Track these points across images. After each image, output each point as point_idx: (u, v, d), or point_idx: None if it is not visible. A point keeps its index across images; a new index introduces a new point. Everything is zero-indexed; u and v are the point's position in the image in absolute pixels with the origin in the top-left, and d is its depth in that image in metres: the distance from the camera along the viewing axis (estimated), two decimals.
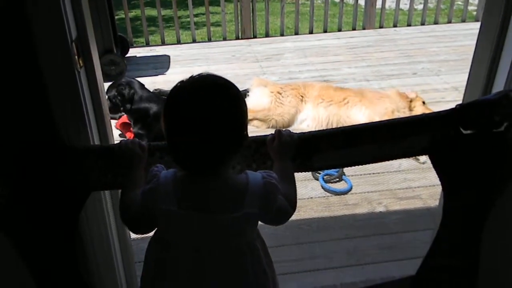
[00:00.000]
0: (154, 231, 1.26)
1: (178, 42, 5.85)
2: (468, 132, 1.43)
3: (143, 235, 1.31)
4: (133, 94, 3.37)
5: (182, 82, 1.14)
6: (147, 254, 1.28)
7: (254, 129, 3.65)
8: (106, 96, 3.31)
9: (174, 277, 1.21)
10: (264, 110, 3.68)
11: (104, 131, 1.51)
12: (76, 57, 1.29)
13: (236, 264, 1.21)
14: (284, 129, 1.35)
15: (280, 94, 3.73)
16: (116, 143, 1.34)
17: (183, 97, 1.12)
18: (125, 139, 3.47)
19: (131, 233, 1.80)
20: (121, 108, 3.41)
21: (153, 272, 1.25)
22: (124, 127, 3.56)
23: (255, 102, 3.75)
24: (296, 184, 1.31)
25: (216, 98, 1.11)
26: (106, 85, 3.18)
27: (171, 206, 1.15)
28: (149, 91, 3.53)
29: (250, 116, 3.64)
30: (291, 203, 1.24)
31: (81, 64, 1.33)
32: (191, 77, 1.14)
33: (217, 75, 1.16)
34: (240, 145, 1.15)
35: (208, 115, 1.08)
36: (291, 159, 1.33)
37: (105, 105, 1.52)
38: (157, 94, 3.60)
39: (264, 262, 1.27)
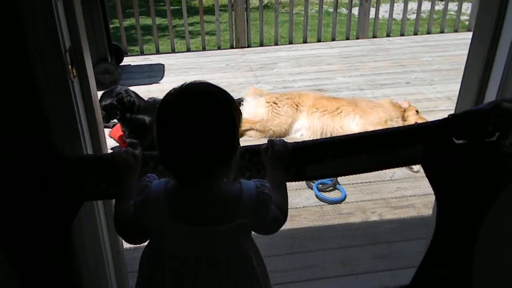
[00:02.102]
0: (148, 241, 1.26)
1: (173, 51, 5.86)
2: (461, 141, 1.44)
3: (136, 245, 1.30)
4: (133, 102, 3.36)
5: (174, 89, 1.13)
6: (141, 263, 1.27)
7: (250, 139, 3.65)
8: (101, 105, 3.31)
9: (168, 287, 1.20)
10: (262, 121, 3.68)
11: (97, 141, 1.50)
12: (70, 66, 1.28)
13: (229, 274, 1.20)
14: (277, 139, 1.35)
15: (276, 104, 3.74)
16: (109, 153, 1.34)
17: (174, 105, 1.11)
18: (118, 148, 3.46)
19: (123, 242, 1.79)
20: (118, 117, 3.38)
21: (147, 282, 1.24)
22: (120, 138, 3.55)
23: (252, 113, 3.75)
24: (290, 193, 1.31)
25: (207, 106, 1.09)
26: (100, 93, 3.18)
27: (162, 217, 1.14)
28: (145, 100, 3.53)
29: (247, 126, 3.66)
30: (283, 212, 1.24)
31: (75, 74, 1.33)
32: (183, 85, 1.13)
33: (210, 83, 1.15)
34: (231, 154, 1.14)
35: (198, 124, 1.07)
36: (284, 168, 1.33)
37: (99, 114, 1.51)
38: (152, 104, 3.59)
39: (258, 271, 1.26)
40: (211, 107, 1.10)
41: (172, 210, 1.14)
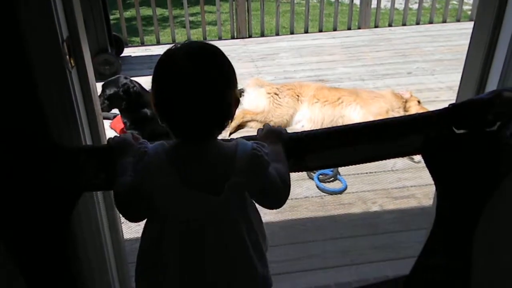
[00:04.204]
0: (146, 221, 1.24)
1: (174, 41, 5.83)
2: (461, 131, 1.43)
3: (135, 236, 1.30)
4: (139, 93, 3.35)
5: (175, 47, 1.13)
6: (144, 231, 1.25)
7: (251, 130, 3.64)
8: (105, 94, 3.30)
9: (173, 250, 1.19)
10: (263, 112, 3.67)
11: (96, 132, 1.50)
12: (68, 56, 1.28)
13: (233, 232, 1.20)
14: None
15: (277, 95, 3.72)
16: (110, 137, 1.34)
17: (177, 60, 1.10)
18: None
19: (123, 233, 1.79)
20: (122, 108, 3.37)
21: (150, 247, 1.23)
22: (121, 132, 3.54)
23: (253, 104, 3.74)
24: (291, 184, 1.29)
25: (211, 59, 1.11)
26: (99, 84, 3.17)
27: (168, 178, 1.13)
28: (147, 91, 3.51)
29: (248, 117, 3.66)
30: (283, 181, 1.21)
31: (73, 64, 1.32)
32: (185, 43, 1.14)
33: (209, 43, 1.16)
34: (233, 107, 1.15)
35: (205, 76, 1.08)
36: (282, 142, 1.31)
37: (97, 105, 1.51)
38: None
39: (259, 233, 1.27)
40: (214, 60, 1.12)
41: (176, 170, 1.13)
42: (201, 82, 1.08)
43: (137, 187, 1.15)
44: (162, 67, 1.12)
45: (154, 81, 1.13)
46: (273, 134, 1.32)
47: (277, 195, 1.22)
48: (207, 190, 1.15)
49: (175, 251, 1.19)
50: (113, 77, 3.45)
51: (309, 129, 3.34)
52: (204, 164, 1.16)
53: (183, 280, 1.20)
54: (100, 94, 3.31)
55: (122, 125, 3.49)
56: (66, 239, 1.37)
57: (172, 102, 1.11)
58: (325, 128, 1.46)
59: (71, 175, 1.30)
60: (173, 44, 1.14)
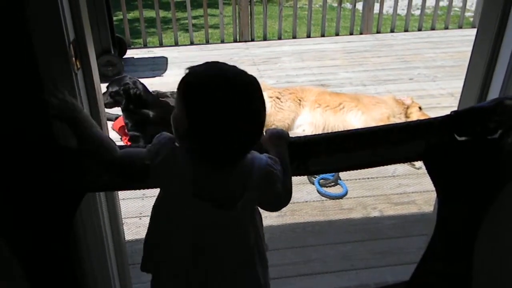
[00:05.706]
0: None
1: (176, 44, 5.85)
2: (463, 138, 1.44)
3: (137, 238, 1.31)
4: (140, 96, 3.36)
5: (213, 72, 1.11)
6: (155, 212, 1.26)
7: None
8: (108, 91, 3.33)
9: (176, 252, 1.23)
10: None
11: None
12: (74, 58, 1.28)
13: (242, 243, 1.24)
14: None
15: (279, 99, 3.73)
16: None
17: (216, 90, 1.07)
18: (121, 142, 3.46)
19: (125, 235, 1.80)
20: (122, 107, 3.39)
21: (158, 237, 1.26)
22: (121, 130, 3.55)
23: None
24: (292, 188, 1.31)
25: (250, 94, 1.10)
26: (103, 85, 3.19)
27: (185, 189, 1.15)
28: (152, 94, 3.53)
29: None
30: (287, 191, 1.25)
31: (79, 66, 1.33)
32: (217, 68, 1.12)
33: (239, 68, 1.14)
34: (260, 137, 1.16)
35: (251, 110, 1.08)
36: (286, 145, 1.33)
37: (102, 106, 1.52)
38: (156, 97, 3.60)
39: (262, 237, 1.32)
40: (252, 92, 1.11)
41: (193, 182, 1.15)
42: (247, 115, 1.08)
43: (152, 173, 1.17)
44: (197, 93, 1.07)
45: (189, 106, 1.08)
46: (278, 139, 1.33)
47: (280, 203, 1.27)
48: (222, 204, 1.17)
49: (183, 251, 1.22)
50: (120, 76, 3.48)
51: (310, 134, 3.36)
52: (223, 182, 1.17)
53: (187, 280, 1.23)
54: (105, 92, 3.37)
55: (122, 125, 3.50)
56: (69, 240, 1.38)
57: (211, 130, 1.07)
58: (327, 133, 1.47)
59: (76, 176, 1.31)
60: (204, 66, 1.10)
